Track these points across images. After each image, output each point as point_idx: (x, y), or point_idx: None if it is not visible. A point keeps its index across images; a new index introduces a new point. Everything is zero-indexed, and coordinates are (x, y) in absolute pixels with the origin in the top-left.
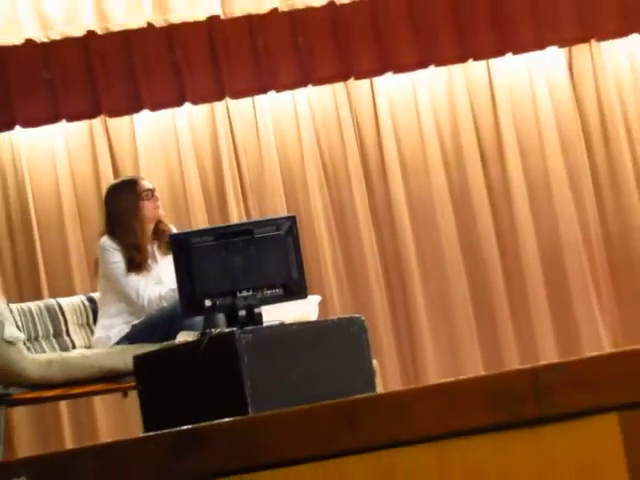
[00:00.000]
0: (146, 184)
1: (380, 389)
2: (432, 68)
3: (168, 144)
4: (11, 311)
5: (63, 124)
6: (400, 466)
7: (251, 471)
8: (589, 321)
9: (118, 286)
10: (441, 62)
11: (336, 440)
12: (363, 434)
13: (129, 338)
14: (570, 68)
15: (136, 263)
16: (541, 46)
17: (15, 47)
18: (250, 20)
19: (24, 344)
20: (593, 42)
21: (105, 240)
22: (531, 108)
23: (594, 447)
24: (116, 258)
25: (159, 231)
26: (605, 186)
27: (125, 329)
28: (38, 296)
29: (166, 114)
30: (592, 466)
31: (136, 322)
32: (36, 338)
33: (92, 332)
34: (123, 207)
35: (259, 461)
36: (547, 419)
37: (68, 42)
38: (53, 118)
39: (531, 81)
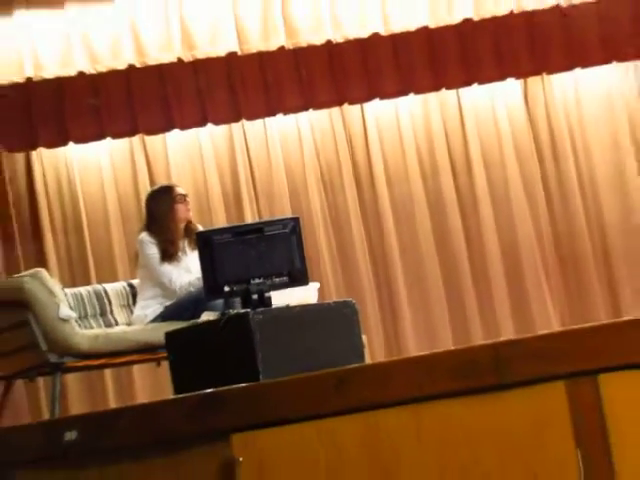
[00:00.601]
0: (180, 190)
1: (368, 360)
2: (412, 95)
3: (194, 157)
4: (65, 294)
5: (108, 141)
6: (383, 424)
7: (260, 428)
8: (541, 304)
9: (154, 274)
10: (419, 91)
11: (330, 402)
12: (352, 398)
13: (162, 317)
14: (525, 96)
15: (169, 255)
16: (502, 78)
17: (69, 78)
18: (261, 56)
19: (76, 322)
20: (544, 75)
21: (144, 235)
22: (493, 129)
23: (545, 409)
24: (153, 250)
25: (189, 230)
26: (555, 193)
27: (159, 309)
28: (87, 282)
29: (192, 133)
30: (543, 425)
31: (168, 304)
32: (85, 317)
33: (131, 312)
34: (160, 209)
35: (267, 419)
36: (506, 386)
37: (112, 74)
38: (100, 136)
39: (493, 107)
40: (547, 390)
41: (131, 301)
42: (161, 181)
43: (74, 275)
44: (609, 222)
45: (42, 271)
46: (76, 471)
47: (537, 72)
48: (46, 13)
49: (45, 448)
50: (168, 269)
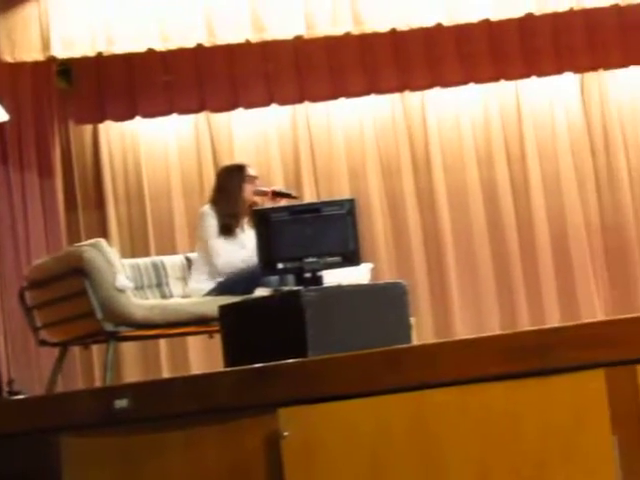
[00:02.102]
0: (251, 171)
1: (415, 341)
2: (472, 85)
3: (258, 136)
4: (123, 265)
5: (174, 117)
6: (429, 404)
7: (307, 403)
8: (587, 292)
9: (206, 246)
10: (479, 80)
11: (378, 381)
12: (401, 377)
13: (217, 290)
14: (582, 91)
15: (227, 229)
16: (559, 72)
17: (139, 54)
18: (328, 41)
19: (132, 292)
20: (601, 70)
21: (206, 208)
22: (549, 121)
23: (585, 395)
24: (211, 223)
25: (251, 210)
26: (604, 186)
27: (214, 282)
28: (147, 254)
29: (257, 112)
30: (582, 410)
31: (221, 279)
32: (142, 287)
33: (187, 285)
34: (230, 184)
35: (315, 395)
36: (549, 371)
37: (182, 52)
38: (167, 112)
39: (550, 100)
40: (587, 376)
41: (187, 274)
42: (224, 158)
43: (134, 246)
44: None
45: (102, 241)
46: (124, 438)
47: (594, 68)
48: None
49: (94, 415)
50: (220, 244)
